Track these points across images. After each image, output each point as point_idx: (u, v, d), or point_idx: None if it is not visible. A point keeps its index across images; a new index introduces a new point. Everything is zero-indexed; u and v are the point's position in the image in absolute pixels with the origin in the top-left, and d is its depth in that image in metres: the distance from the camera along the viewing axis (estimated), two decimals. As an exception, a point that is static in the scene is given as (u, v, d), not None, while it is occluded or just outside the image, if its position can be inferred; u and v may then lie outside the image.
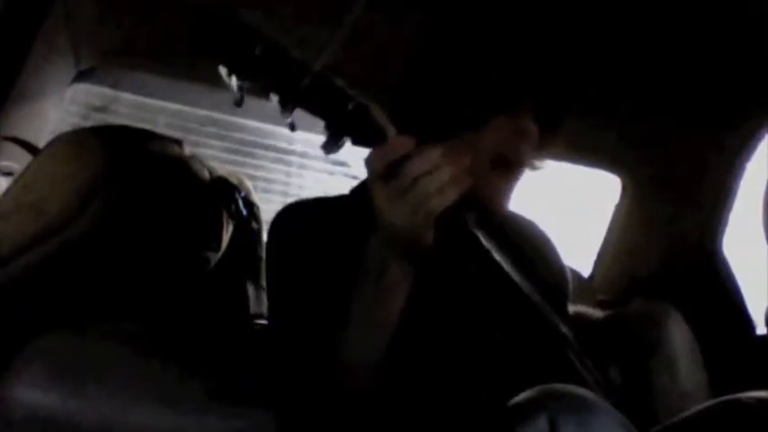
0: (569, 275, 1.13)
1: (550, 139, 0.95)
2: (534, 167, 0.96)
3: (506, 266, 0.86)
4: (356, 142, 0.72)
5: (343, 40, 1.03)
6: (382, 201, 0.71)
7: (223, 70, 0.67)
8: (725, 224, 1.61)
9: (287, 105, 0.69)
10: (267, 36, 0.67)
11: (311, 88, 0.68)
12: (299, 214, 0.97)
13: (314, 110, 0.70)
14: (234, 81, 0.67)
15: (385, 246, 0.75)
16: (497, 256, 0.85)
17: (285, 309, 0.92)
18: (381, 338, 0.78)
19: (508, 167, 0.92)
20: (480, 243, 0.84)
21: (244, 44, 0.66)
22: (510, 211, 1.08)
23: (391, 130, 0.72)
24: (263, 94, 0.69)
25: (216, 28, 0.66)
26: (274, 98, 0.69)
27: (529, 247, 1.04)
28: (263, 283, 1.31)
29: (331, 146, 0.71)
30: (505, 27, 0.93)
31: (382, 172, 0.70)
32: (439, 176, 0.69)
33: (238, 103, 0.69)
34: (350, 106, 0.70)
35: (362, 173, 1.03)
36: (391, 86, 0.96)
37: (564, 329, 0.94)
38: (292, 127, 0.71)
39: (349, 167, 1.90)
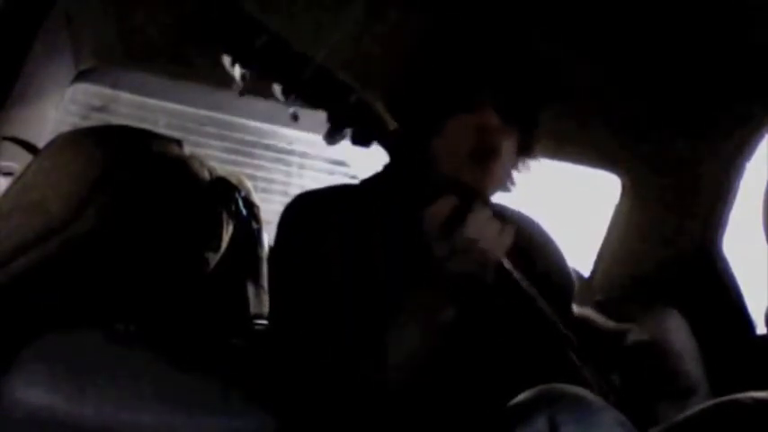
0: (574, 277, 1.13)
1: (528, 137, 0.96)
2: (520, 167, 0.97)
3: (515, 273, 0.86)
4: (357, 136, 0.74)
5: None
6: (444, 255, 0.77)
7: (227, 59, 0.68)
8: (725, 224, 1.61)
9: (289, 95, 0.70)
10: (268, 26, 0.68)
11: (313, 79, 0.70)
12: (308, 210, 0.97)
13: (316, 100, 0.71)
14: (237, 70, 0.69)
15: (441, 292, 0.80)
16: (506, 264, 0.85)
17: (288, 308, 0.92)
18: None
19: (488, 157, 0.91)
20: None
21: (247, 34, 0.67)
22: (514, 212, 1.08)
23: (391, 124, 0.75)
24: (266, 82, 0.70)
25: (220, 17, 0.68)
26: (277, 88, 0.70)
27: (532, 249, 1.04)
28: (263, 283, 1.32)
29: (333, 136, 0.73)
30: (462, 26, 0.95)
31: (440, 231, 0.76)
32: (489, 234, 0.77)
33: (242, 93, 0.70)
34: (352, 99, 0.71)
35: (362, 173, 1.04)
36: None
37: (566, 331, 0.93)
38: (295, 117, 0.72)
39: (349, 167, 1.90)
